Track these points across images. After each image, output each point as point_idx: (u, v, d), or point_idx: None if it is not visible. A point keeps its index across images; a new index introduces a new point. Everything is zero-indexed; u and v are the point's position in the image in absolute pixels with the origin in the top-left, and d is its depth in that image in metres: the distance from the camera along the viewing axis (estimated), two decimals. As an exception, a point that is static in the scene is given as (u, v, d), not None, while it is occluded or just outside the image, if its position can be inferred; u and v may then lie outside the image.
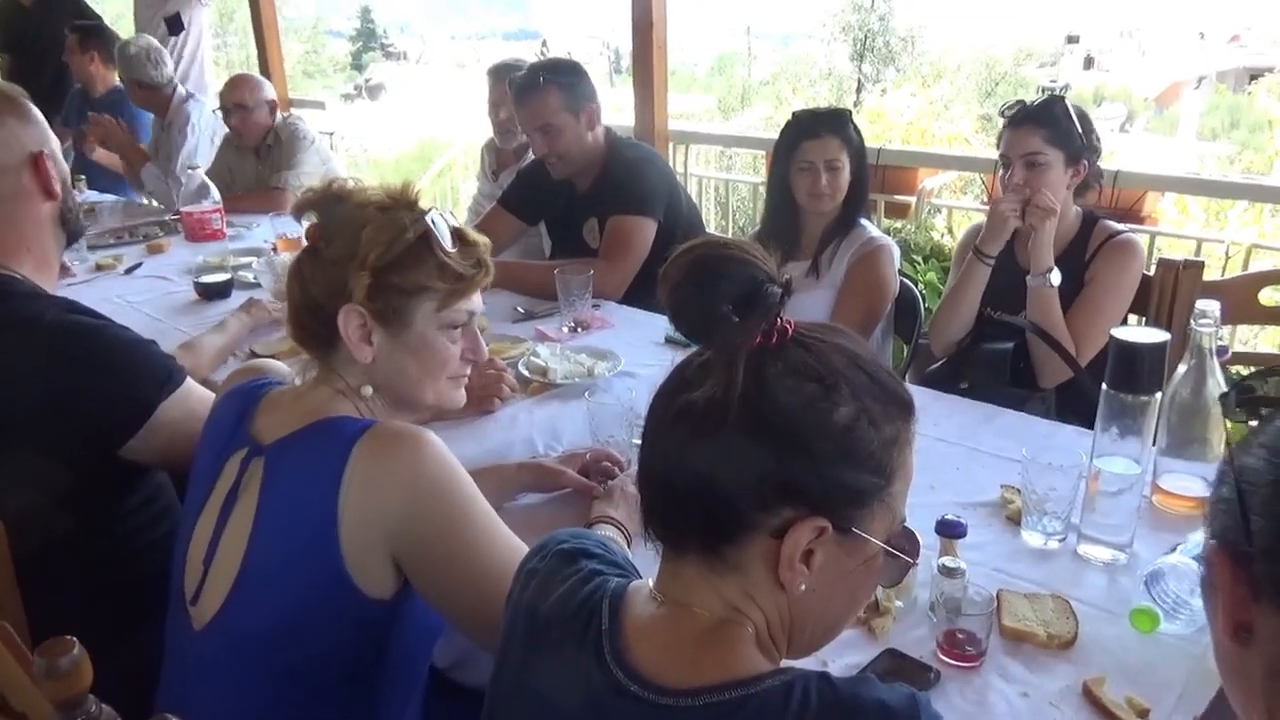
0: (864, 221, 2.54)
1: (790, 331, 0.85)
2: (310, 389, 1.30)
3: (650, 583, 0.90)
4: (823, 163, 2.43)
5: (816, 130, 2.45)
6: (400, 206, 1.26)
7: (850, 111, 2.57)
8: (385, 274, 1.24)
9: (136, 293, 2.89)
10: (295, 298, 1.29)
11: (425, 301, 1.28)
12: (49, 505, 1.50)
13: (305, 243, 1.30)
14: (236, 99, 3.88)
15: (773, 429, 0.81)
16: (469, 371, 1.39)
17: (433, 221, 1.27)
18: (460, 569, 1.19)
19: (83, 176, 4.21)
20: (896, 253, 2.54)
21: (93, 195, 4.16)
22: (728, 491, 0.82)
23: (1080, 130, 2.21)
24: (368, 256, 1.23)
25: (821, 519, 0.82)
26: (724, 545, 0.84)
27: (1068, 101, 2.26)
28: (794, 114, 2.58)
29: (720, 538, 0.84)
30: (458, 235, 1.30)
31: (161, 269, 3.11)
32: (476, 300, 1.34)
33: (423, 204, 1.29)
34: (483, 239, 1.34)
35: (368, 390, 1.29)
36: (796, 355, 0.83)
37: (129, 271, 3.11)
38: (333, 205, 1.27)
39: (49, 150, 1.60)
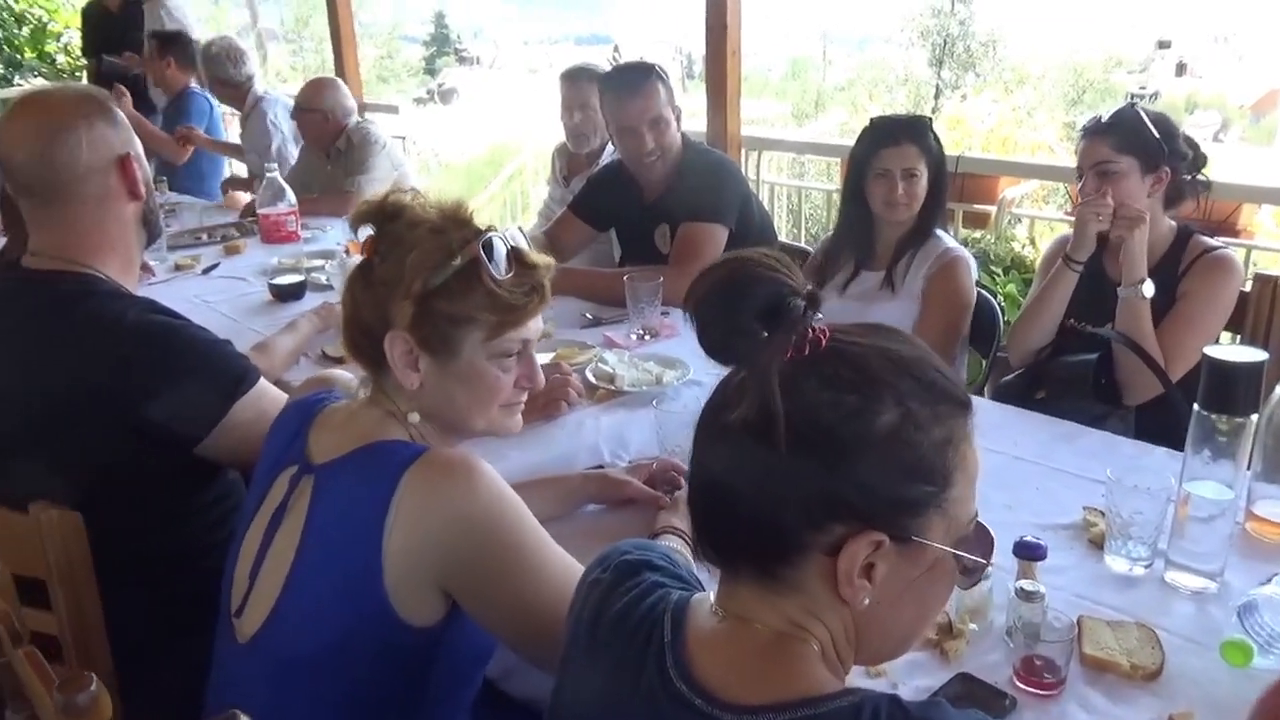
0: (939, 232, 2.51)
1: (824, 341, 0.82)
2: (362, 408, 1.28)
3: (711, 597, 0.90)
4: (900, 171, 2.41)
5: (895, 137, 2.43)
6: (453, 227, 1.22)
7: (930, 119, 2.54)
8: (429, 302, 1.20)
9: (213, 293, 2.97)
10: (348, 314, 1.27)
11: (473, 331, 1.23)
12: (125, 498, 1.55)
13: (363, 255, 1.27)
14: (296, 100, 4.06)
15: (813, 446, 0.79)
16: (525, 399, 1.35)
17: (487, 245, 1.21)
18: (515, 599, 1.17)
19: (164, 178, 4.37)
20: (974, 264, 2.50)
21: (173, 196, 4.30)
22: (774, 513, 0.81)
23: (1157, 136, 2.16)
24: (412, 284, 1.19)
25: (876, 533, 0.80)
26: (778, 566, 0.83)
27: (1140, 108, 2.21)
28: (872, 120, 2.55)
29: (773, 559, 0.83)
30: (515, 258, 1.25)
31: (238, 270, 3.20)
32: (532, 327, 1.29)
33: (481, 221, 1.25)
34: (544, 260, 1.29)
35: (415, 417, 1.26)
36: (831, 365, 0.81)
37: (206, 272, 3.21)
38: (386, 221, 1.23)
39: (134, 152, 1.65)
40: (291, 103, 4.51)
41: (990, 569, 0.97)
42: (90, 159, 1.59)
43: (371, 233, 1.25)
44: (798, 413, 0.78)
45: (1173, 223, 2.25)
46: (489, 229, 1.24)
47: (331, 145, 4.04)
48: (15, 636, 1.19)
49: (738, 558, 0.86)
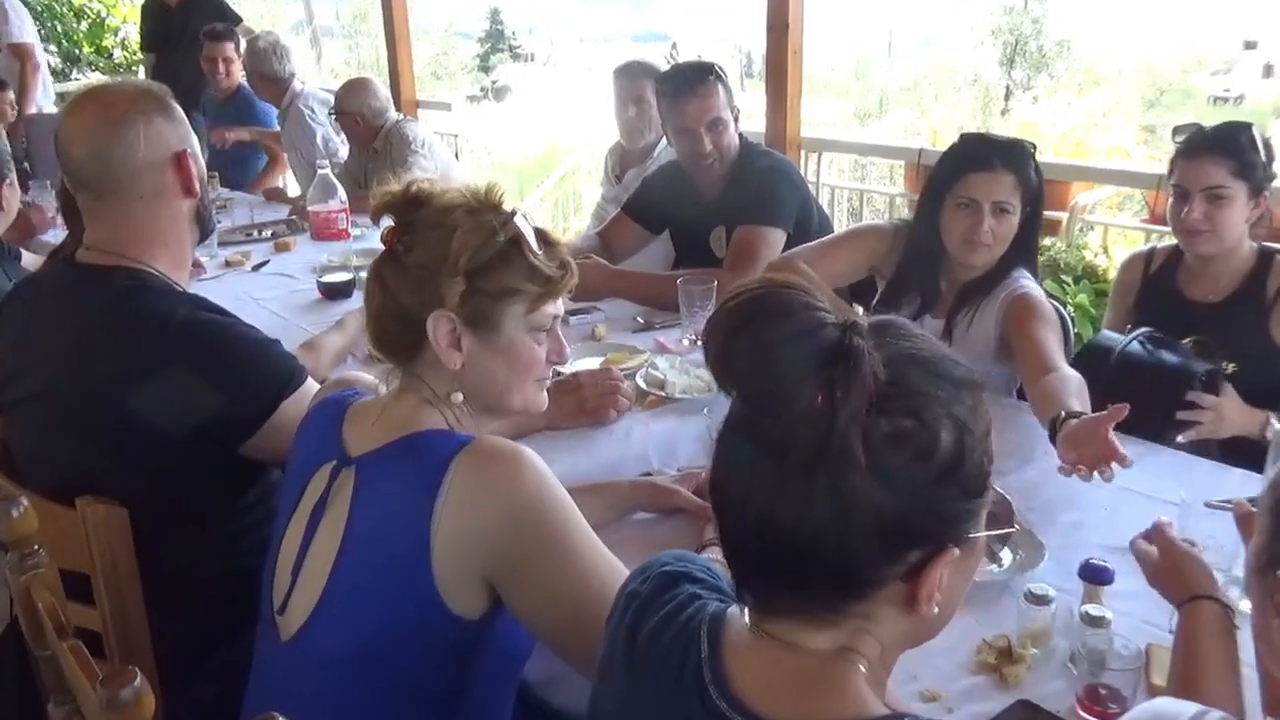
0: (1014, 271, 2.16)
1: (877, 372, 0.78)
2: (395, 399, 1.30)
3: (746, 614, 0.88)
4: (989, 204, 2.06)
5: (988, 160, 2.08)
6: (487, 209, 1.27)
7: (1034, 146, 2.18)
8: (477, 278, 1.24)
9: (262, 290, 3.03)
10: (377, 304, 1.29)
11: (515, 304, 1.28)
12: (170, 495, 1.59)
13: (383, 245, 1.29)
14: (334, 102, 4.16)
15: (887, 484, 0.77)
16: (551, 374, 1.40)
17: (520, 222, 1.27)
18: (557, 593, 1.19)
19: (215, 174, 4.46)
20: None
21: (225, 192, 4.39)
22: (851, 555, 0.79)
23: (1264, 160, 2.10)
24: (459, 261, 1.23)
25: (951, 548, 0.81)
26: (845, 602, 0.82)
27: (1255, 130, 2.13)
28: (962, 135, 2.23)
29: (842, 597, 0.82)
30: (541, 236, 1.31)
31: (287, 267, 3.26)
32: (560, 304, 1.35)
33: (506, 205, 1.29)
34: (562, 240, 1.35)
35: (458, 397, 1.30)
36: (879, 392, 0.78)
37: (256, 269, 3.27)
38: (413, 209, 1.27)
39: (191, 149, 1.69)
40: (325, 96, 4.65)
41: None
42: (147, 155, 1.62)
43: (392, 223, 1.28)
44: (867, 453, 0.77)
45: (1251, 243, 2.19)
46: (516, 210, 1.29)
47: (370, 145, 4.12)
48: (61, 630, 1.22)
49: (793, 596, 0.84)
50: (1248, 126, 2.14)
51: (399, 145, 4.02)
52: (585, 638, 1.11)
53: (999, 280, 2.15)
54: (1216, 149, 2.10)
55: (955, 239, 2.12)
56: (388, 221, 1.28)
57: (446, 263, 1.23)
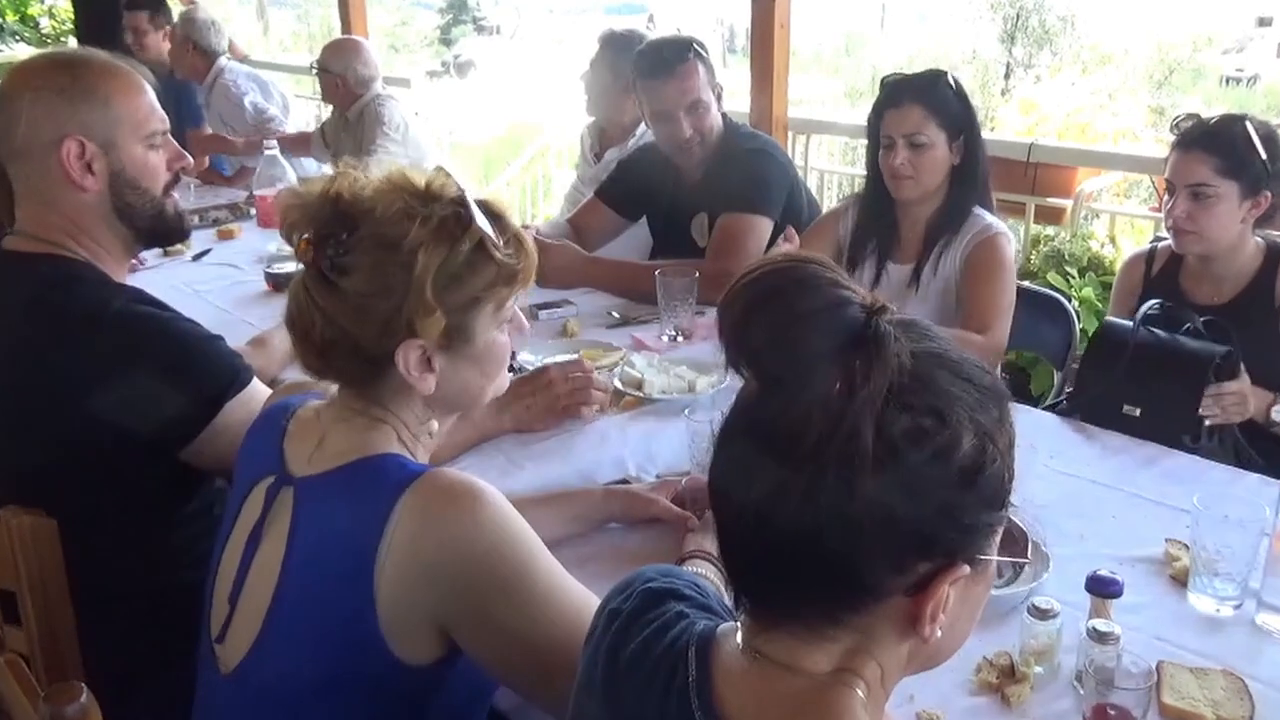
0: (979, 210, 2.38)
1: (903, 359, 0.79)
2: (343, 416, 1.25)
3: (738, 635, 0.88)
4: (901, 138, 2.28)
5: (897, 98, 2.31)
6: (434, 204, 1.19)
7: (946, 73, 2.40)
8: (447, 297, 1.19)
9: (204, 281, 3.01)
10: (320, 336, 1.20)
11: (484, 308, 1.24)
12: (103, 505, 1.57)
13: (302, 263, 1.19)
14: (318, 57, 4.15)
15: (901, 485, 0.77)
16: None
17: (471, 211, 1.20)
18: (522, 640, 1.16)
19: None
20: (1014, 242, 2.43)
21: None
22: (856, 560, 0.79)
23: (1265, 158, 2.11)
24: (425, 287, 1.16)
25: (961, 564, 0.81)
26: (845, 614, 0.83)
27: (1250, 122, 2.14)
28: (882, 80, 2.44)
29: (843, 607, 0.82)
30: (487, 211, 1.23)
31: (231, 256, 3.24)
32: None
33: (444, 182, 1.22)
34: (500, 200, 1.29)
35: (433, 425, 1.28)
36: (902, 385, 0.78)
37: (197, 258, 3.24)
38: (343, 223, 1.17)
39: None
40: (252, 71, 4.75)
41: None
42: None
43: (308, 236, 1.18)
44: (883, 448, 0.76)
45: (1259, 240, 2.22)
46: (462, 193, 1.22)
47: (345, 113, 4.12)
48: (-4, 643, 1.21)
49: (790, 606, 0.84)
50: (1243, 120, 2.15)
51: (370, 124, 4.02)
52: (554, 685, 1.09)
53: (958, 219, 2.35)
54: (1205, 145, 2.13)
55: (887, 179, 2.35)
56: (304, 234, 1.18)
57: (410, 290, 1.16)
